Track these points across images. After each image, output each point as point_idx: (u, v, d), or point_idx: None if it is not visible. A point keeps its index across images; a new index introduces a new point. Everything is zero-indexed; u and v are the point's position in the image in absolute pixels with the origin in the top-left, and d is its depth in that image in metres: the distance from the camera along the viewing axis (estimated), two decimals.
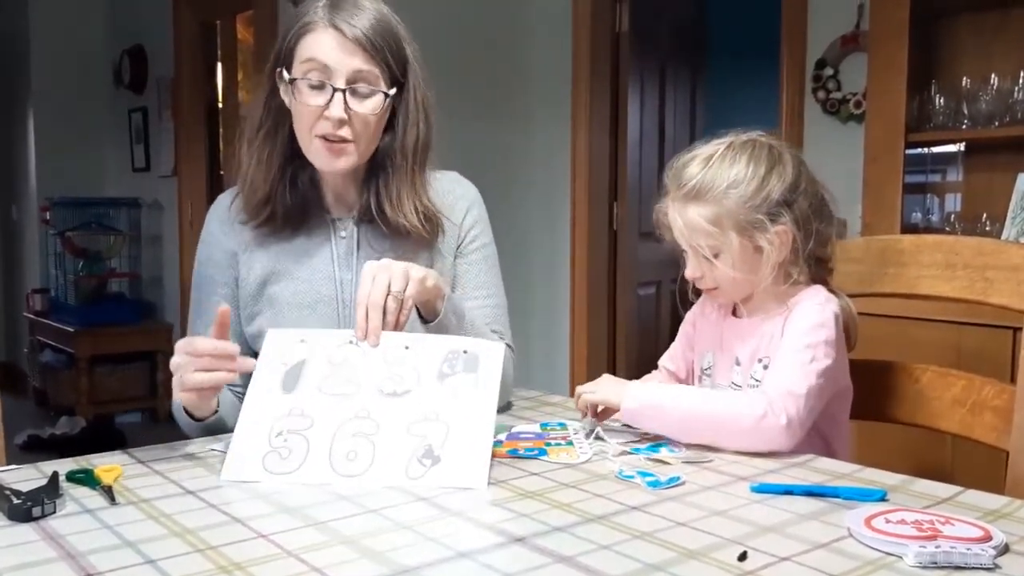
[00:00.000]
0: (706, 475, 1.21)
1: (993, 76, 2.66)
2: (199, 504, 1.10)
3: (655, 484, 1.16)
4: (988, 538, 0.94)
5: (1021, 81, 2.61)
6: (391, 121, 1.58)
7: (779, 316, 1.44)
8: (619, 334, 4.25)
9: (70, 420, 5.05)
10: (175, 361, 1.33)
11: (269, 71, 1.57)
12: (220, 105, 5.53)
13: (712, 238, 1.41)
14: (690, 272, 1.48)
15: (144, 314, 5.71)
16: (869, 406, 1.59)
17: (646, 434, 1.39)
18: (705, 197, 1.41)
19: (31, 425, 4.98)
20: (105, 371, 5.39)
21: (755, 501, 1.10)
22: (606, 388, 1.41)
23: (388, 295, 1.34)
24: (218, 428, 1.46)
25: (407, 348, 1.34)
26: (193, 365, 1.31)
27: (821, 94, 3.21)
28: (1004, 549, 0.93)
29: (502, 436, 1.39)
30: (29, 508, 1.04)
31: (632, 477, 1.19)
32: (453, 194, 1.69)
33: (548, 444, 1.35)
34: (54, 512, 1.06)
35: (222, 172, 5.45)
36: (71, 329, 5.29)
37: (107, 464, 1.23)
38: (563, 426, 1.46)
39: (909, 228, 2.83)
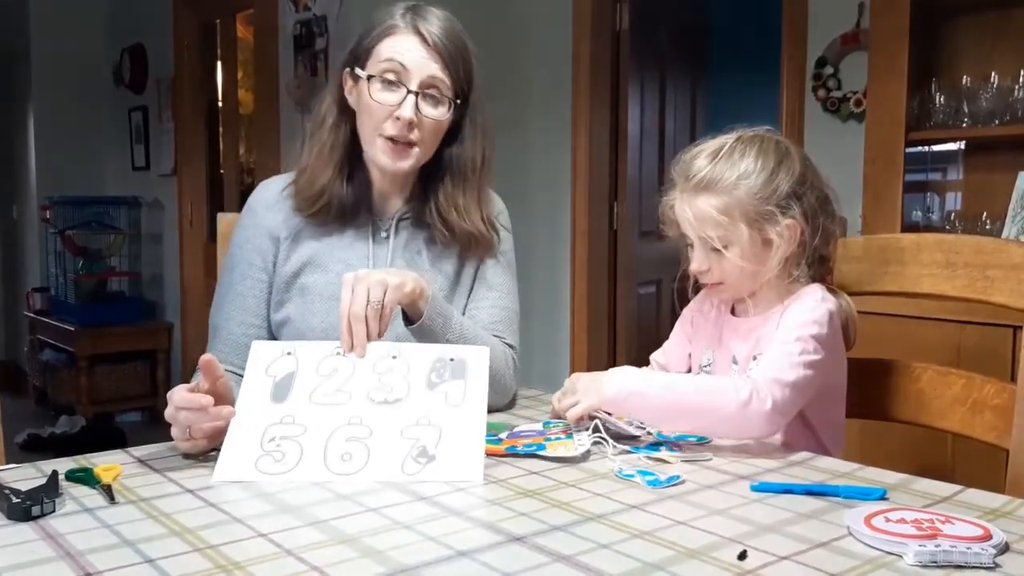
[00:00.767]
0: (706, 474, 1.21)
1: (993, 75, 2.66)
2: (198, 503, 1.10)
3: (655, 483, 1.16)
4: (988, 537, 0.94)
5: (1021, 80, 2.61)
6: (451, 133, 1.64)
7: (776, 315, 1.44)
8: (619, 333, 4.25)
9: (70, 419, 5.05)
10: (168, 414, 1.30)
11: (339, 69, 1.64)
12: (220, 104, 5.53)
13: (722, 228, 1.41)
14: (696, 265, 1.47)
15: (144, 313, 5.71)
16: (869, 405, 1.59)
17: (642, 425, 1.39)
18: (715, 188, 1.41)
19: (31, 424, 4.99)
20: (105, 370, 5.39)
21: (755, 500, 1.10)
22: (586, 392, 1.37)
23: (368, 305, 1.36)
24: None
25: (395, 358, 1.36)
26: (184, 422, 1.28)
27: (821, 93, 3.21)
28: (1004, 548, 0.93)
29: (503, 435, 1.39)
30: (28, 507, 1.04)
31: (632, 476, 1.19)
32: (490, 203, 1.76)
33: (547, 439, 1.35)
34: (53, 511, 1.06)
35: (222, 171, 5.45)
36: (71, 328, 5.29)
37: (107, 463, 1.23)
38: (566, 424, 1.46)
39: (909, 227, 2.83)
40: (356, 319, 1.35)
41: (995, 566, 0.89)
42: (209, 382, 1.31)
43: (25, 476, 1.19)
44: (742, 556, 0.92)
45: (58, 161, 5.97)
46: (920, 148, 2.91)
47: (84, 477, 1.17)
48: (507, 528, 1.00)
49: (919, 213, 2.95)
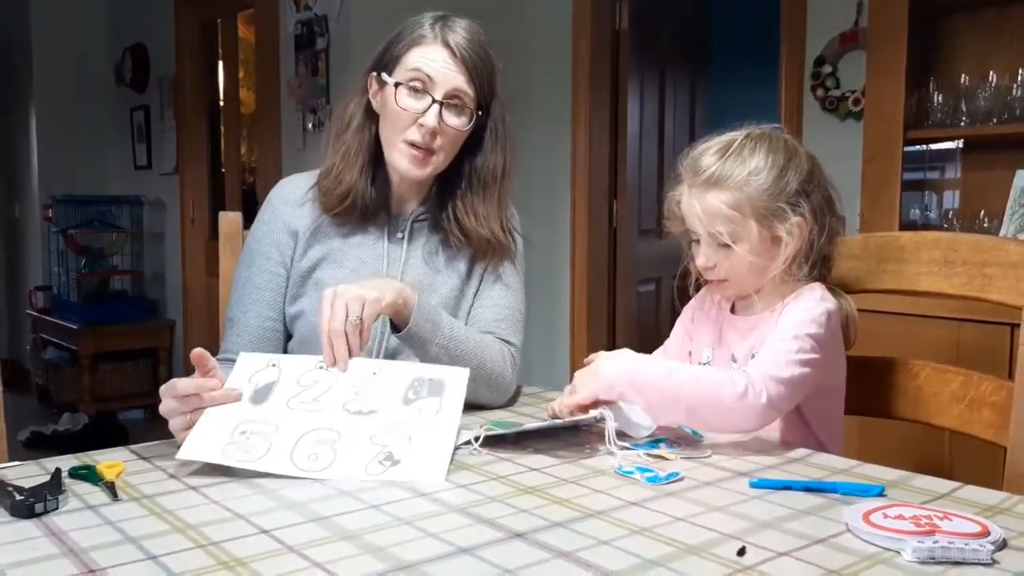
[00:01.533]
0: (705, 471, 1.22)
1: (991, 73, 2.66)
2: (201, 500, 1.10)
3: (654, 480, 1.16)
4: (986, 533, 0.94)
5: (1019, 78, 2.61)
6: (472, 142, 1.68)
7: (775, 313, 1.44)
8: (619, 331, 4.25)
9: (73, 417, 5.06)
10: (163, 408, 1.31)
11: (364, 74, 1.68)
12: (221, 103, 5.53)
13: (732, 223, 1.41)
14: (703, 261, 1.47)
15: (146, 311, 5.71)
16: (868, 402, 1.60)
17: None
18: (725, 184, 1.41)
19: (34, 422, 4.99)
20: (107, 368, 5.40)
21: (754, 497, 1.11)
22: (583, 383, 1.37)
23: (347, 320, 1.39)
24: None
25: (375, 374, 1.39)
26: (180, 409, 1.30)
27: (820, 92, 3.21)
28: (1002, 544, 0.94)
29: (511, 432, 1.40)
30: (32, 504, 1.04)
31: (631, 473, 1.19)
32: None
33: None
34: (56, 508, 1.06)
35: (224, 170, 5.45)
36: (74, 326, 5.30)
37: (109, 460, 1.23)
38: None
39: (908, 225, 2.84)
40: (336, 334, 1.39)
41: (993, 562, 0.89)
42: (202, 374, 1.32)
43: (28, 473, 1.20)
44: (741, 552, 0.92)
45: (60, 160, 5.97)
46: (918, 147, 2.91)
47: (87, 474, 1.17)
48: (508, 524, 1.01)
49: (917, 211, 2.95)
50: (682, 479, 1.18)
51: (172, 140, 5.57)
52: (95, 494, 1.12)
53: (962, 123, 2.70)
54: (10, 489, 1.06)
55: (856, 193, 2.72)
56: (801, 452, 1.31)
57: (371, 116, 1.68)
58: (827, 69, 3.19)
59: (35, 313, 5.88)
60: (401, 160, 1.62)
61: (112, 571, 0.88)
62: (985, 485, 1.14)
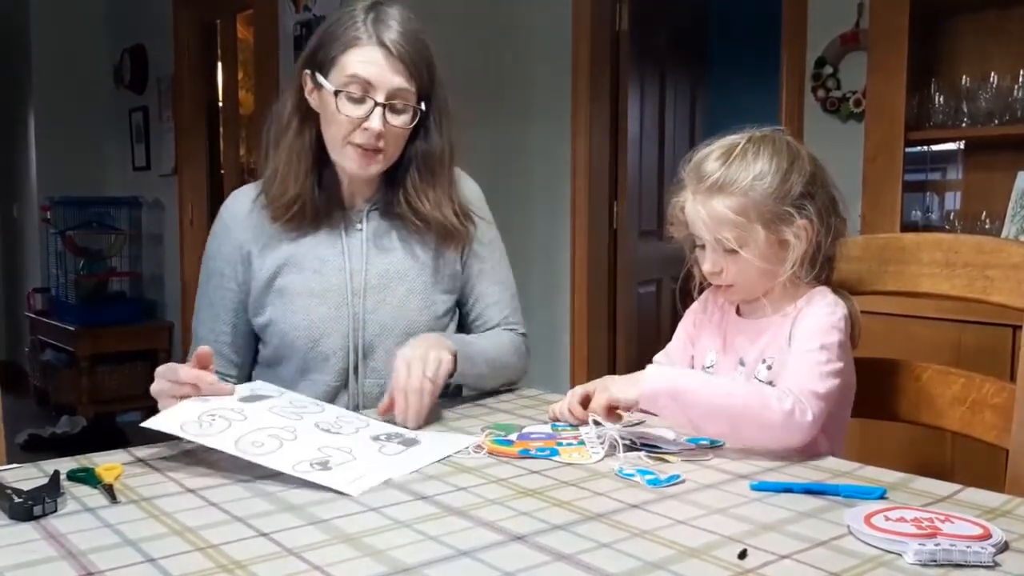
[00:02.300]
0: (706, 473, 1.21)
1: (993, 74, 2.66)
2: (200, 502, 1.10)
3: (655, 482, 1.16)
4: (988, 536, 0.94)
5: (1021, 79, 2.61)
6: (415, 129, 1.66)
7: (786, 317, 1.44)
8: (619, 333, 4.25)
9: (71, 419, 5.05)
10: (156, 388, 1.36)
11: (298, 71, 1.65)
12: (220, 104, 5.53)
13: (739, 228, 1.40)
14: (708, 267, 1.46)
15: (145, 313, 5.72)
16: (869, 404, 1.59)
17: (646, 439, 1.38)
18: (730, 189, 1.40)
19: (32, 424, 4.98)
20: (106, 370, 5.40)
21: (755, 499, 1.11)
22: (623, 388, 1.36)
23: (423, 379, 1.46)
24: None
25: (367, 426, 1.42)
26: (173, 392, 1.35)
27: (821, 92, 3.21)
28: (1004, 547, 0.93)
29: (513, 436, 1.39)
30: (30, 507, 1.04)
31: (632, 475, 1.19)
32: (463, 188, 1.79)
33: (560, 444, 1.35)
34: (55, 511, 1.06)
35: (223, 171, 5.45)
36: (72, 328, 5.30)
37: (108, 463, 1.23)
38: (575, 427, 1.46)
39: (909, 226, 2.83)
40: (412, 391, 1.44)
41: (994, 565, 0.89)
42: (199, 367, 1.37)
43: (26, 476, 1.20)
44: (742, 555, 0.92)
45: (59, 161, 5.97)
46: (919, 148, 2.90)
47: (85, 477, 1.17)
48: (508, 527, 1.01)
49: (918, 213, 2.94)
50: (683, 482, 1.17)
51: (171, 141, 5.57)
52: (93, 496, 1.12)
53: (963, 124, 2.69)
54: (8, 491, 1.06)
55: (857, 194, 2.72)
56: (802, 454, 1.30)
57: (310, 115, 1.65)
58: (828, 70, 3.18)
59: (33, 315, 5.88)
60: (349, 162, 1.62)
61: (111, 574, 0.88)
62: (987, 487, 1.14)
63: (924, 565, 0.89)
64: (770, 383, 1.43)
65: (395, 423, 1.45)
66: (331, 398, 1.65)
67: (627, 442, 1.33)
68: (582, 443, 1.35)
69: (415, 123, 1.63)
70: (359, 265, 1.68)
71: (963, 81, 2.70)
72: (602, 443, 1.33)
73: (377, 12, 1.58)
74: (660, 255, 4.22)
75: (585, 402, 1.41)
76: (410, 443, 1.35)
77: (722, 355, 1.54)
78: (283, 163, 1.66)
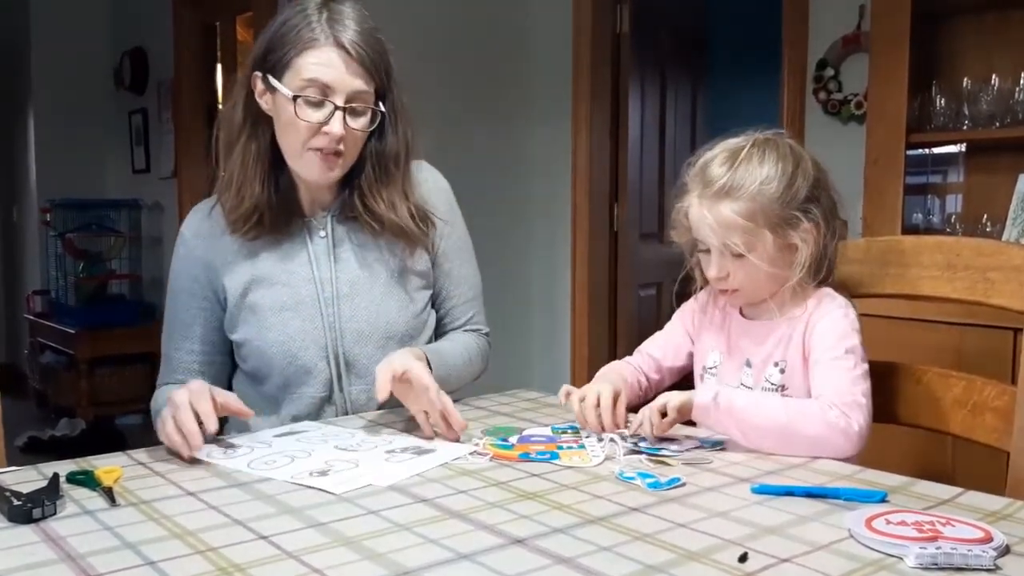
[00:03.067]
0: (706, 476, 1.21)
1: (994, 77, 2.65)
2: (200, 505, 1.10)
3: (655, 485, 1.16)
4: (989, 539, 0.94)
5: (1022, 82, 2.60)
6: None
7: (795, 320, 1.44)
8: (620, 335, 4.25)
9: (70, 422, 5.05)
10: (170, 416, 1.32)
11: (247, 74, 1.59)
12: (220, 107, 5.53)
13: (747, 234, 1.40)
14: (715, 272, 1.45)
15: (144, 316, 5.70)
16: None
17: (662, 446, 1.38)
18: (737, 194, 1.40)
19: (31, 427, 4.98)
20: (105, 373, 5.38)
21: (756, 502, 1.10)
22: (672, 394, 1.38)
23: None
24: None
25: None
26: (171, 425, 1.32)
27: (822, 95, 3.21)
28: (1005, 550, 0.93)
29: (513, 439, 1.39)
30: (29, 510, 1.04)
31: (633, 479, 1.19)
32: (428, 184, 1.75)
33: (560, 448, 1.34)
34: (54, 514, 1.06)
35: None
36: (71, 331, 5.29)
37: (107, 466, 1.23)
38: (575, 430, 1.46)
39: (910, 229, 2.83)
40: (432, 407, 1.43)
41: (996, 568, 0.89)
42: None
43: (26, 479, 1.20)
44: (743, 559, 0.92)
45: (58, 164, 5.97)
46: (921, 150, 2.90)
47: (85, 479, 1.17)
48: (508, 530, 1.00)
49: (920, 215, 2.94)
50: (683, 485, 1.17)
51: (171, 144, 5.56)
52: (93, 499, 1.12)
53: (965, 127, 2.69)
54: (8, 494, 1.06)
55: (858, 196, 2.72)
56: (802, 458, 1.30)
57: (261, 119, 1.59)
58: (829, 72, 3.18)
59: (33, 317, 5.87)
60: (309, 169, 1.57)
61: None
62: (988, 491, 1.14)
63: (925, 569, 0.89)
64: (782, 386, 1.44)
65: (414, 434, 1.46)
66: (318, 410, 1.63)
67: (629, 444, 1.33)
68: (582, 447, 1.35)
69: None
70: (327, 274, 1.64)
71: (964, 83, 2.70)
72: (602, 446, 1.33)
73: (330, 11, 1.52)
74: (661, 258, 4.22)
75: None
76: (423, 452, 1.35)
77: (726, 356, 1.53)
78: (237, 170, 1.60)
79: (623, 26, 4.15)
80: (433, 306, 1.77)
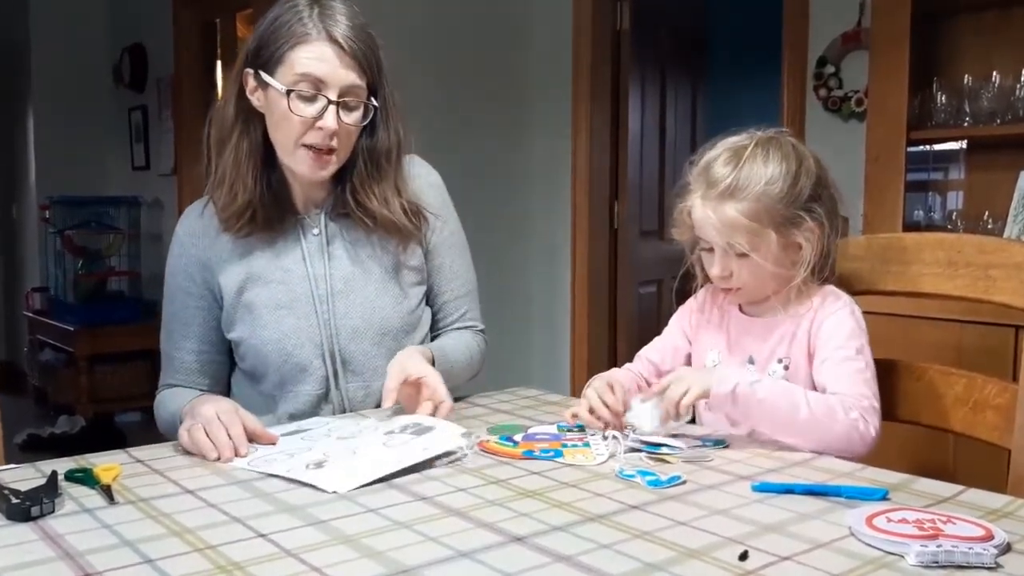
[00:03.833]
0: (707, 474, 1.21)
1: (995, 74, 2.65)
2: (198, 503, 1.10)
3: (656, 483, 1.16)
4: (990, 537, 0.94)
5: (1022, 79, 2.60)
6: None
7: (800, 317, 1.44)
8: (620, 333, 4.25)
9: (69, 419, 5.05)
10: (199, 430, 1.32)
11: (239, 70, 1.59)
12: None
13: (752, 234, 1.40)
14: (718, 271, 1.45)
15: (144, 313, 5.69)
16: None
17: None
18: (742, 194, 1.40)
19: (30, 424, 4.98)
20: (105, 370, 5.38)
21: (756, 500, 1.10)
22: (696, 380, 1.36)
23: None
24: None
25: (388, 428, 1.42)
26: (203, 435, 1.32)
27: (823, 92, 3.21)
28: (1006, 548, 0.93)
29: (518, 437, 1.39)
30: (28, 507, 1.03)
31: (633, 476, 1.19)
32: (420, 179, 1.74)
33: (564, 445, 1.34)
34: (53, 511, 1.06)
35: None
36: (71, 328, 5.28)
37: (106, 463, 1.23)
38: (580, 428, 1.45)
39: (911, 226, 2.83)
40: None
41: (997, 566, 0.89)
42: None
43: (25, 476, 1.19)
44: (743, 556, 0.91)
45: (58, 161, 5.97)
46: (921, 147, 2.90)
47: (83, 477, 1.17)
48: (508, 528, 1.00)
49: (921, 212, 2.94)
50: (684, 483, 1.17)
51: (170, 141, 5.56)
52: (91, 497, 1.12)
53: (965, 124, 2.69)
54: (6, 492, 1.06)
55: (859, 194, 2.71)
56: (803, 455, 1.30)
57: (253, 115, 1.59)
58: (830, 69, 3.18)
59: (32, 315, 5.87)
60: (301, 165, 1.56)
61: (109, 575, 0.88)
62: (989, 488, 1.14)
63: (926, 566, 0.89)
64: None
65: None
66: (314, 407, 1.63)
67: (632, 443, 1.33)
68: (587, 444, 1.35)
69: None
70: (321, 271, 1.64)
71: (965, 80, 2.70)
72: (607, 443, 1.33)
73: (321, 7, 1.52)
74: (661, 255, 4.22)
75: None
76: (423, 431, 1.35)
77: (727, 353, 1.53)
78: (230, 167, 1.59)
79: (623, 24, 4.14)
80: (428, 302, 1.77)
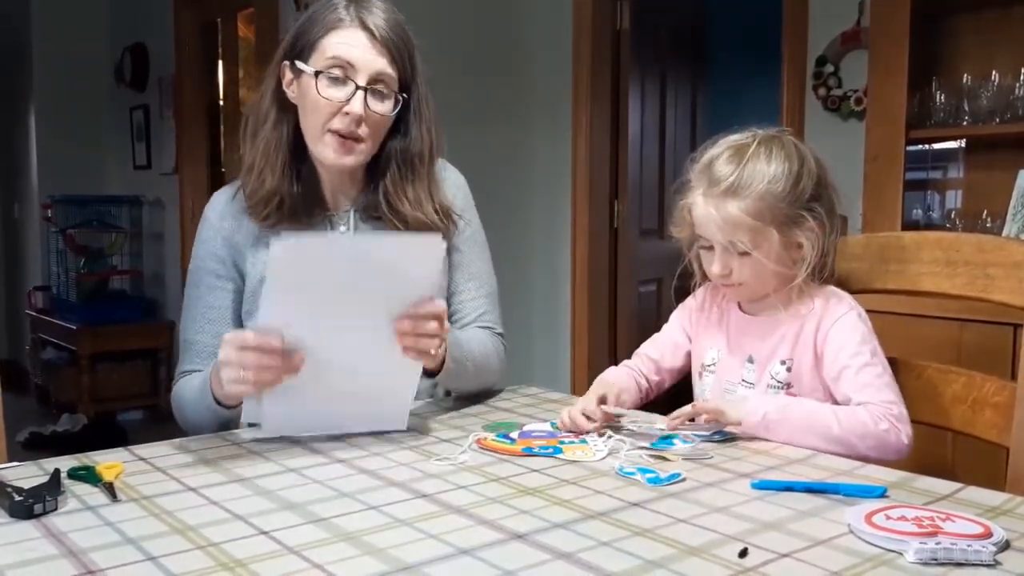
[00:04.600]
0: (707, 472, 1.21)
1: (994, 73, 2.65)
2: (200, 501, 1.10)
3: (656, 480, 1.16)
4: (988, 535, 0.94)
5: (1022, 78, 2.60)
6: (394, 125, 1.61)
7: (802, 318, 1.44)
8: (620, 332, 4.25)
9: (72, 417, 5.05)
10: (226, 356, 1.29)
11: (277, 63, 1.60)
12: (221, 102, 5.53)
13: (754, 232, 1.40)
14: (718, 269, 1.45)
15: (145, 311, 5.71)
16: None
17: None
18: (744, 193, 1.40)
19: (33, 422, 4.98)
20: (107, 368, 5.39)
21: (756, 498, 1.10)
22: (723, 403, 1.40)
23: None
24: (232, 421, 1.49)
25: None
26: (241, 360, 1.28)
27: (822, 91, 3.21)
28: (1004, 546, 0.93)
29: (514, 434, 1.39)
30: (31, 505, 1.04)
31: (633, 474, 1.19)
32: (447, 181, 1.74)
33: (562, 442, 1.35)
34: (55, 509, 1.06)
35: (223, 169, 5.45)
36: (73, 327, 5.29)
37: (108, 461, 1.23)
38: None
39: (910, 225, 2.83)
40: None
41: (995, 563, 0.89)
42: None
43: (27, 474, 1.20)
44: (743, 554, 0.92)
45: (59, 160, 5.97)
46: (920, 146, 2.90)
47: (86, 475, 1.17)
48: (508, 526, 1.00)
49: (919, 211, 2.94)
50: (683, 480, 1.17)
51: (172, 140, 5.57)
52: (94, 495, 1.12)
53: (964, 123, 2.69)
54: (9, 490, 1.06)
55: (858, 193, 2.72)
56: (803, 453, 1.30)
57: (287, 108, 1.60)
58: (829, 68, 3.18)
59: (34, 313, 5.88)
60: (326, 151, 1.56)
61: (111, 572, 0.88)
62: (988, 486, 1.14)
63: (925, 564, 0.89)
64: (788, 384, 1.44)
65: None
66: None
67: (630, 440, 1.33)
68: (584, 441, 1.35)
69: (395, 115, 1.58)
70: None
71: (964, 79, 2.70)
72: (604, 440, 1.33)
73: (359, 1, 1.55)
74: (661, 254, 4.21)
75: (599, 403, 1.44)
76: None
77: (726, 352, 1.53)
78: (260, 155, 1.60)
79: (623, 23, 4.15)
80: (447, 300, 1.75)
